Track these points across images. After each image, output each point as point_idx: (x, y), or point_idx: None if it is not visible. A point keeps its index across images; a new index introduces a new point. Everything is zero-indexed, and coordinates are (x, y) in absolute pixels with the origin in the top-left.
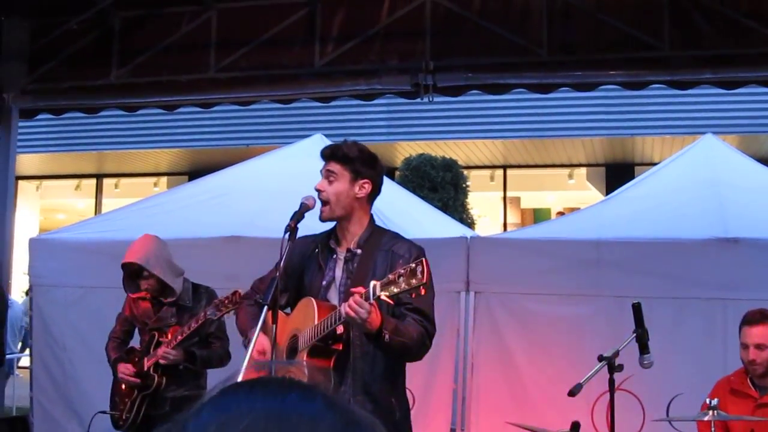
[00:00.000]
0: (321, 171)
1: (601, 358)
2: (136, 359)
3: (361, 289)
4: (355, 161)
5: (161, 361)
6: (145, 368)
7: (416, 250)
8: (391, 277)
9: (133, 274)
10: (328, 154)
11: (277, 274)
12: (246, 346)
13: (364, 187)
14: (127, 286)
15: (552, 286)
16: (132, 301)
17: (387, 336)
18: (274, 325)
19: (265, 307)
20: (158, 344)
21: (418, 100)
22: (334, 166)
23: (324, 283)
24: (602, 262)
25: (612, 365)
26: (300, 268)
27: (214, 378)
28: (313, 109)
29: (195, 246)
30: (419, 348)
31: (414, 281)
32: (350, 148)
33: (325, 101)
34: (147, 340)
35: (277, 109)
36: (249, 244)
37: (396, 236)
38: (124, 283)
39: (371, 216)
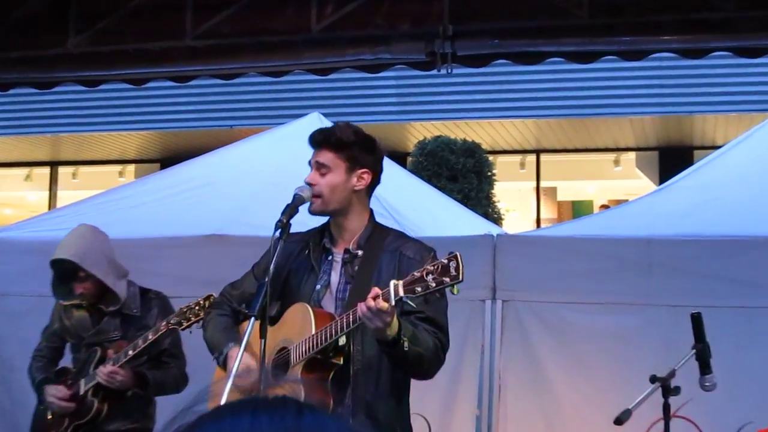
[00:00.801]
0: (310, 162)
1: (653, 379)
2: (70, 381)
3: (377, 291)
4: (352, 147)
5: (106, 384)
6: (82, 392)
7: (427, 252)
8: (417, 274)
9: (65, 275)
10: (319, 141)
11: (267, 279)
12: (221, 364)
13: (363, 178)
14: (57, 292)
15: (594, 293)
16: (62, 310)
17: (406, 344)
18: (263, 340)
19: (253, 319)
20: (100, 362)
21: (435, 72)
22: (326, 156)
23: (318, 287)
24: (655, 264)
25: (667, 387)
26: (285, 270)
27: (164, 407)
28: (309, 83)
29: (169, 247)
30: (433, 361)
31: (447, 279)
32: (344, 132)
33: (324, 74)
34: (84, 358)
35: (266, 84)
36: (233, 244)
37: (401, 235)
38: (53, 288)
39: (371, 211)
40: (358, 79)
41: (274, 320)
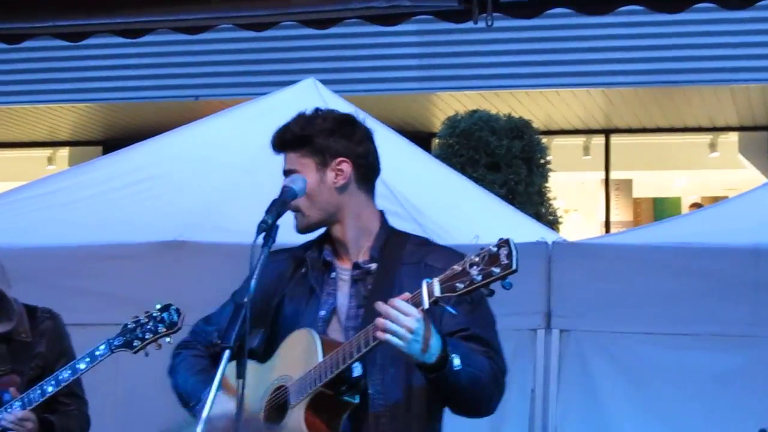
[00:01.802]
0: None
1: None
2: None
3: (407, 295)
4: (314, 138)
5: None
6: None
7: (460, 259)
8: (457, 268)
9: None
10: (276, 144)
11: (246, 299)
12: (194, 413)
13: (341, 170)
14: None
15: (682, 321)
16: None
17: (456, 361)
18: (241, 381)
19: (228, 353)
20: None
21: (470, 24)
22: (290, 159)
23: (322, 313)
24: (764, 283)
25: None
26: (277, 296)
27: None
28: (302, 40)
29: (112, 258)
30: (493, 387)
31: (497, 269)
32: (299, 122)
33: (321, 26)
34: None
35: (244, 41)
36: (198, 254)
37: (425, 242)
38: None
39: (381, 213)
40: (367, 35)
41: (265, 357)
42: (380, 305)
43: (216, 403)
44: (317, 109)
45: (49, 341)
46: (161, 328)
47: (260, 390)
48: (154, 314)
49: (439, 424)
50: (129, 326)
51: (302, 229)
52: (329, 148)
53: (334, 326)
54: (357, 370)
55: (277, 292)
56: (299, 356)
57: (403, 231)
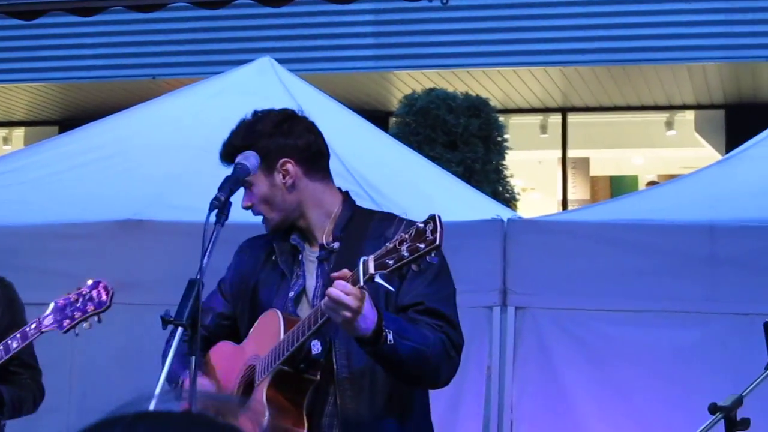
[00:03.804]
0: None
1: (715, 409)
2: None
3: (345, 272)
4: (254, 145)
5: None
6: None
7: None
8: (390, 245)
9: None
10: (224, 158)
11: (198, 276)
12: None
13: (286, 170)
14: None
15: (638, 297)
16: None
17: (389, 336)
18: (193, 357)
19: (180, 330)
20: None
21: (426, 2)
22: None
23: (291, 294)
24: (718, 259)
25: (732, 420)
26: (251, 281)
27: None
28: (257, 19)
29: (68, 237)
30: (440, 360)
31: (422, 245)
32: (239, 134)
33: (276, 4)
34: None
35: (199, 20)
36: (155, 232)
37: (388, 216)
38: None
39: (345, 193)
40: (323, 13)
41: (245, 336)
42: (329, 290)
43: (199, 384)
44: (255, 112)
45: (4, 311)
46: (90, 307)
47: (236, 369)
48: (83, 292)
49: (408, 394)
50: (59, 305)
51: (271, 231)
52: (270, 151)
53: (304, 306)
54: (315, 348)
55: (252, 279)
56: (266, 336)
57: (370, 209)
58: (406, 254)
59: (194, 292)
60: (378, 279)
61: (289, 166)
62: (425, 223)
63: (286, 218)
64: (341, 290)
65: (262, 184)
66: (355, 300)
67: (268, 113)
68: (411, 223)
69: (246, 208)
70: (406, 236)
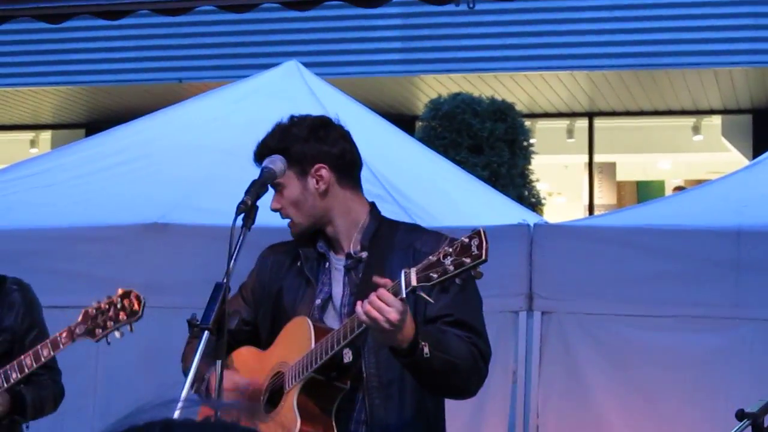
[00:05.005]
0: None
1: (743, 416)
2: None
3: (387, 281)
4: (290, 149)
5: None
6: None
7: (445, 241)
8: (432, 258)
9: None
10: (258, 158)
11: (224, 280)
12: (204, 391)
13: (320, 176)
14: None
15: (664, 303)
16: None
17: (426, 348)
18: (219, 362)
19: (206, 334)
20: None
21: (452, 6)
22: None
23: (318, 302)
24: (744, 264)
25: (759, 427)
26: (275, 288)
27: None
28: (284, 23)
29: (93, 240)
30: (471, 371)
31: (467, 260)
32: (275, 136)
33: (303, 8)
34: None
35: (226, 24)
36: (179, 235)
37: (414, 228)
38: None
39: (371, 204)
40: (350, 17)
41: (267, 344)
42: (362, 304)
43: (225, 379)
44: (292, 117)
45: (18, 314)
46: (122, 316)
47: (261, 375)
48: (115, 301)
49: (433, 401)
50: (90, 313)
51: (296, 236)
52: (306, 156)
53: (330, 313)
54: (347, 356)
55: (275, 285)
56: (295, 343)
57: (395, 220)
58: (451, 268)
59: (220, 295)
60: (420, 292)
61: (324, 172)
62: (470, 237)
63: (313, 224)
64: (384, 301)
65: (294, 187)
66: (397, 312)
67: (305, 118)
68: (438, 233)
69: (275, 210)
70: (450, 250)
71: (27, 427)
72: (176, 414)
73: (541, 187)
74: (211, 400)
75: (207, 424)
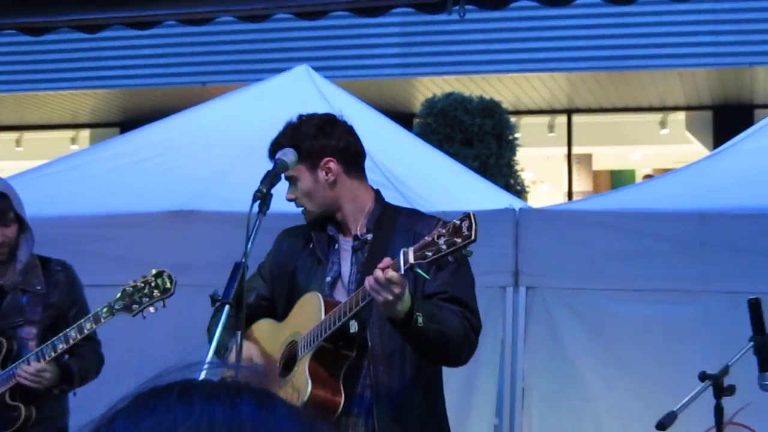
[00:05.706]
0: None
1: (703, 377)
2: None
3: (388, 261)
4: (300, 145)
5: (32, 385)
6: None
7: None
8: (428, 239)
9: None
10: (271, 153)
11: (243, 259)
12: (222, 361)
13: (329, 168)
14: None
15: (635, 278)
16: None
17: (420, 319)
18: (239, 333)
19: (227, 308)
20: (6, 357)
21: (445, 15)
22: None
23: (328, 279)
24: (708, 243)
25: (719, 386)
26: (290, 267)
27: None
28: (296, 31)
29: (124, 225)
30: (462, 342)
31: (459, 239)
32: (286, 134)
33: (312, 18)
34: None
35: (244, 32)
36: (203, 221)
37: (415, 213)
38: None
39: (376, 192)
40: (354, 26)
41: (283, 316)
42: (368, 279)
43: (243, 349)
44: (300, 116)
45: (62, 292)
46: (156, 293)
47: (278, 343)
48: (150, 280)
49: (431, 369)
50: (128, 291)
51: (309, 221)
52: (315, 151)
53: (339, 290)
54: (353, 327)
55: (290, 264)
56: (307, 315)
57: (398, 206)
58: (444, 247)
59: (239, 274)
60: (417, 269)
61: (332, 165)
62: (461, 220)
63: (324, 211)
64: (387, 276)
65: (306, 179)
66: (399, 286)
67: (312, 117)
68: (435, 217)
69: (290, 200)
70: (444, 231)
71: (74, 394)
72: (201, 376)
73: (526, 176)
74: (232, 363)
75: (222, 384)
